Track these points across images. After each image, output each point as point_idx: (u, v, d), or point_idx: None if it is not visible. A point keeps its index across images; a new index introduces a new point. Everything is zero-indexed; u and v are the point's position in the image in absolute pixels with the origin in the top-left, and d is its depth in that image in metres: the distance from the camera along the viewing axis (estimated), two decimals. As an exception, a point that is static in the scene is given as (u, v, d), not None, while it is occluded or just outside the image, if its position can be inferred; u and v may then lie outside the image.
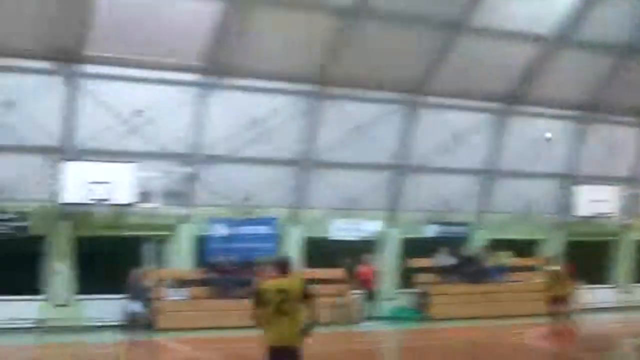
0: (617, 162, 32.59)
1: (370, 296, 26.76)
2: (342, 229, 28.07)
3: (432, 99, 28.87)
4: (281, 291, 10.02)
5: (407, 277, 29.11)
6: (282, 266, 10.40)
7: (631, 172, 33.34)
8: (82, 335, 23.33)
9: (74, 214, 24.82)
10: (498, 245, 30.37)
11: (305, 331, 10.10)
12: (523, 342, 20.65)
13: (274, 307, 9.99)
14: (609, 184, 31.99)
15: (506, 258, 30.11)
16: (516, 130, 30.54)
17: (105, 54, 24.42)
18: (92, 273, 25.38)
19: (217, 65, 25.53)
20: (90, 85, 24.68)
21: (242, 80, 26.28)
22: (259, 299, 10.18)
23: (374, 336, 24.72)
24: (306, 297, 10.14)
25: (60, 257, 24.84)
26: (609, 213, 31.84)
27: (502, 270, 29.83)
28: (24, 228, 24.21)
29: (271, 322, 10.01)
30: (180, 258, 26.41)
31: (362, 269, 27.01)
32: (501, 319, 26.11)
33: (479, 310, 27.59)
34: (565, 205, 31.94)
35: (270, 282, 10.31)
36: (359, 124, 27.86)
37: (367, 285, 26.75)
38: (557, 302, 20.64)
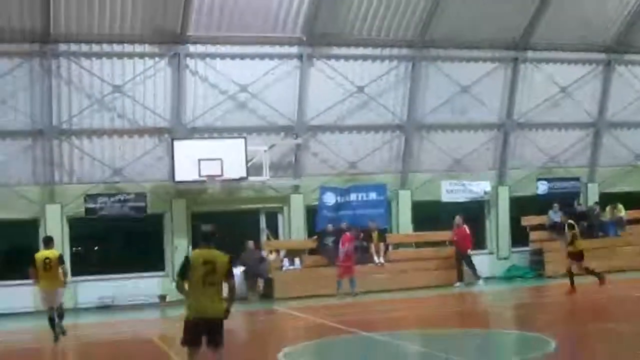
0: None
1: (465, 258, 26.09)
2: (452, 191, 27.92)
3: (534, 54, 28.41)
4: (208, 262, 9.96)
5: (520, 236, 28.87)
6: (206, 236, 10.31)
7: None
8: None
9: (188, 191, 25.50)
10: (611, 198, 29.81)
11: (227, 307, 10.10)
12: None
13: (199, 279, 9.91)
14: None
15: (620, 211, 29.55)
16: (623, 79, 29.78)
17: (208, 34, 24.97)
18: (208, 248, 26.02)
19: (317, 36, 25.72)
20: (195, 64, 25.26)
21: (342, 49, 26.44)
22: (186, 269, 10.11)
23: (486, 296, 24.64)
24: (228, 272, 10.15)
25: (178, 234, 25.56)
26: None
27: (617, 224, 29.29)
28: (143, 208, 25.02)
29: (196, 293, 9.95)
30: (293, 228, 26.78)
31: (454, 230, 26.42)
32: (619, 274, 25.69)
33: (595, 265, 27.09)
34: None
35: (198, 253, 10.22)
36: (462, 84, 27.65)
37: (460, 247, 26.12)
38: None
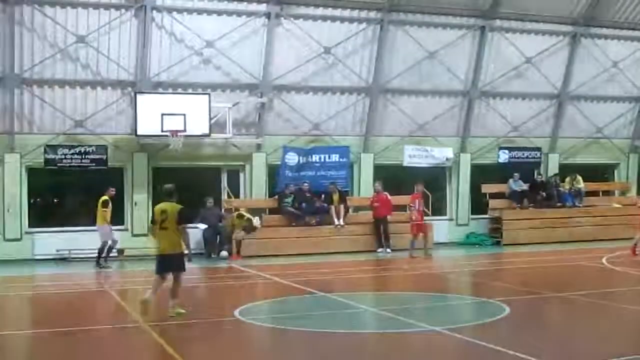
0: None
1: (383, 224, 25.91)
2: (414, 156, 28.04)
3: (502, 23, 28.47)
4: (163, 212, 13.08)
5: (479, 203, 29.13)
6: (167, 193, 13.38)
7: None
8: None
9: (150, 145, 25.33)
10: (571, 170, 30.14)
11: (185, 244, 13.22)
12: (601, 265, 20.58)
13: (159, 224, 13.06)
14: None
15: (579, 183, 29.92)
16: (588, 53, 29.95)
17: (175, -14, 24.67)
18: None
19: (287, -6, 25.56)
20: (162, 18, 24.94)
21: (310, 9, 26.27)
22: (153, 217, 13.45)
23: (443, 261, 24.80)
24: (179, 220, 12.99)
25: (138, 188, 25.42)
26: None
27: (576, 195, 29.66)
28: (103, 160, 24.82)
29: (158, 236, 13.13)
30: (254, 187, 26.75)
31: (374, 196, 26.35)
32: (574, 244, 26.08)
33: (552, 235, 27.58)
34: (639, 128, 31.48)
35: (159, 206, 13.32)
36: (429, 50, 27.63)
37: (378, 213, 25.98)
38: None
